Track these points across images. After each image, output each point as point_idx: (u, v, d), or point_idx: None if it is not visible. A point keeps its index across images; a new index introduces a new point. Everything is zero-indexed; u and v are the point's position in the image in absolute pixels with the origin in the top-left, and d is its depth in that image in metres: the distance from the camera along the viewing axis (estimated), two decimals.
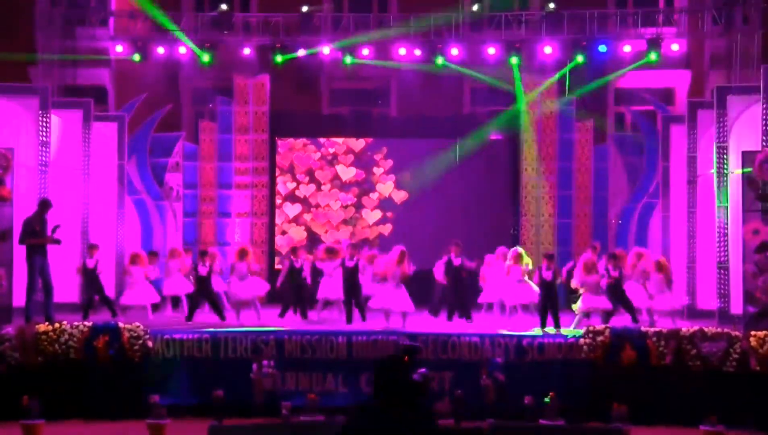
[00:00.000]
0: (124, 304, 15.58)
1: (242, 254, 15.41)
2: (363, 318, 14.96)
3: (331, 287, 15.52)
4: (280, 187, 19.68)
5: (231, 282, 15.37)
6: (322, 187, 19.74)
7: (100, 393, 13.20)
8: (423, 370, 7.55)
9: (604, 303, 14.45)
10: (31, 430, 12.06)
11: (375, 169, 19.72)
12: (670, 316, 14.80)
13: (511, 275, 15.29)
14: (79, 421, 12.97)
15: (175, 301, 16.51)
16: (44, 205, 14.37)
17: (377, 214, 19.69)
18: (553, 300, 14.34)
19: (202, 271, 15.11)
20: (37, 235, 14.08)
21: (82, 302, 15.01)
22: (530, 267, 15.30)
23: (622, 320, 14.64)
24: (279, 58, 18.38)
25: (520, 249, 15.71)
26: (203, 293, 15.24)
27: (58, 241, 14.21)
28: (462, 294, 15.65)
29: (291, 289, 15.86)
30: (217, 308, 15.14)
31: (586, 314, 14.51)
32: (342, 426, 5.94)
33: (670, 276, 14.96)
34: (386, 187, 19.69)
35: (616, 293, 14.64)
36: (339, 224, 19.69)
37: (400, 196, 19.65)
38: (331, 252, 15.70)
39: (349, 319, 14.93)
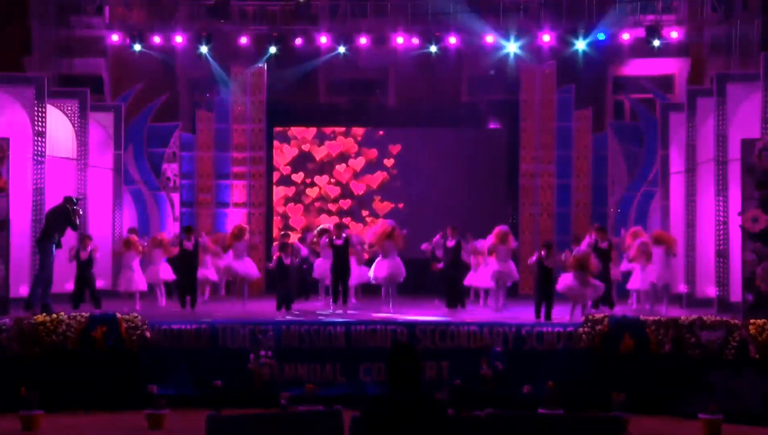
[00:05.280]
0: (121, 290, 15.46)
1: (239, 234, 15.35)
2: (344, 302, 14.85)
3: (326, 268, 15.55)
4: (280, 179, 19.57)
5: (229, 262, 15.28)
6: (336, 167, 19.42)
7: (98, 383, 13.15)
8: None
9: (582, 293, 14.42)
10: (30, 421, 12.01)
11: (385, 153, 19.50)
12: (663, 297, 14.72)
13: (496, 254, 15.36)
14: (77, 411, 12.91)
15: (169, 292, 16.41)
16: (69, 201, 14.47)
17: (387, 206, 19.44)
18: (549, 291, 14.32)
19: (188, 245, 15.03)
20: (71, 223, 14.33)
21: (73, 293, 14.94)
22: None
23: (620, 309, 14.62)
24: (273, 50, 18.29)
25: (505, 227, 15.73)
26: (188, 271, 15.02)
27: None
28: (456, 282, 15.55)
29: (280, 284, 15.71)
30: (194, 292, 15.03)
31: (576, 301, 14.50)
32: (358, 416, 5.90)
33: (672, 246, 14.88)
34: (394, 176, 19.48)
35: (602, 270, 14.58)
36: (348, 222, 19.40)
37: (404, 186, 19.46)
38: (322, 232, 15.82)
39: (335, 299, 14.94)
